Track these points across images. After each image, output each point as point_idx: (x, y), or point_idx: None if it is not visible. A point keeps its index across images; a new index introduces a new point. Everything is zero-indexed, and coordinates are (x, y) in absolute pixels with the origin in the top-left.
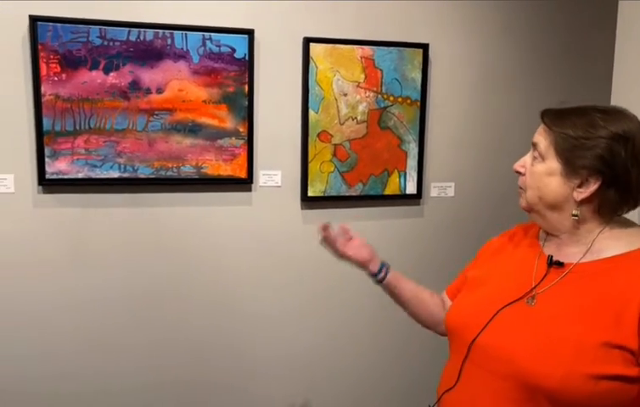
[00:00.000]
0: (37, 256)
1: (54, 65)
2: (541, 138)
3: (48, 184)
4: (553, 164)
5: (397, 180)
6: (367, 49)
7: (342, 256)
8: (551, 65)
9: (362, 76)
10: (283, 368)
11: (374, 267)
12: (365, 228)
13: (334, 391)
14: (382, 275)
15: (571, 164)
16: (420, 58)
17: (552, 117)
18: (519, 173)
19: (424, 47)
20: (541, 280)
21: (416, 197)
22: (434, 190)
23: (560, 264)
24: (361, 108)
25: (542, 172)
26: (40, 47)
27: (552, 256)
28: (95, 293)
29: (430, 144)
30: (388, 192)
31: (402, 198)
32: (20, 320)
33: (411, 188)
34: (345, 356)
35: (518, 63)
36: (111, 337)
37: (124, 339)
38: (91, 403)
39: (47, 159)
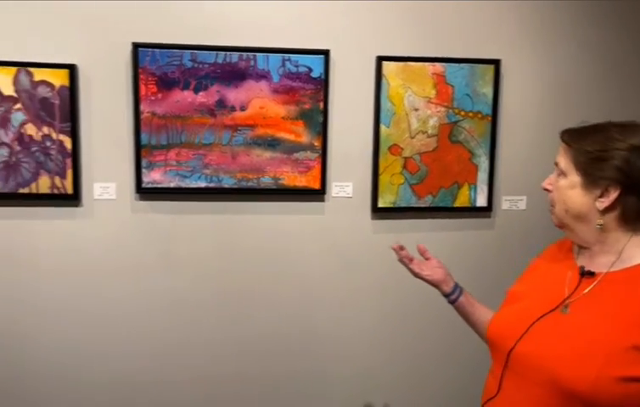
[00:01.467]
0: (134, 257)
1: (152, 86)
2: (562, 157)
3: (144, 192)
4: (574, 177)
5: (467, 192)
6: (439, 66)
7: (417, 275)
8: (624, 78)
9: (433, 92)
10: (354, 373)
11: (448, 288)
12: (434, 239)
13: (391, 395)
14: (454, 296)
15: (590, 176)
16: (492, 74)
17: (571, 135)
18: (547, 191)
19: (496, 63)
20: (574, 290)
21: (486, 210)
22: (505, 203)
23: (592, 274)
24: (431, 122)
25: (566, 186)
26: (140, 70)
27: (583, 267)
28: (182, 293)
29: (502, 158)
30: (458, 204)
31: (472, 211)
32: (116, 314)
33: (481, 201)
34: (409, 361)
35: (590, 76)
36: (196, 336)
37: (206, 337)
38: (177, 393)
39: (143, 170)
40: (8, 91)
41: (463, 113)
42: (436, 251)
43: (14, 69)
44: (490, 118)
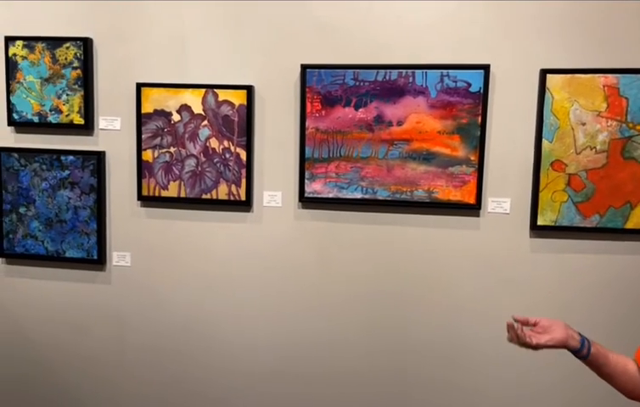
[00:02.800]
0: (295, 258)
1: (317, 104)
2: None
3: (306, 201)
4: None
5: None
6: (611, 77)
7: (537, 347)
8: None
9: (604, 105)
10: (504, 395)
11: (576, 342)
12: (601, 263)
13: None
14: (585, 349)
15: None
16: None
17: None
18: None
19: None
20: None
21: None
22: None
23: None
24: (601, 137)
25: None
26: (307, 89)
27: None
28: (335, 296)
29: None
30: (630, 225)
31: None
32: (277, 307)
33: None
34: (566, 391)
35: None
36: (344, 337)
37: (353, 340)
38: (324, 386)
39: (306, 181)
40: (198, 109)
41: (639, 127)
42: (604, 276)
43: (202, 91)
44: None
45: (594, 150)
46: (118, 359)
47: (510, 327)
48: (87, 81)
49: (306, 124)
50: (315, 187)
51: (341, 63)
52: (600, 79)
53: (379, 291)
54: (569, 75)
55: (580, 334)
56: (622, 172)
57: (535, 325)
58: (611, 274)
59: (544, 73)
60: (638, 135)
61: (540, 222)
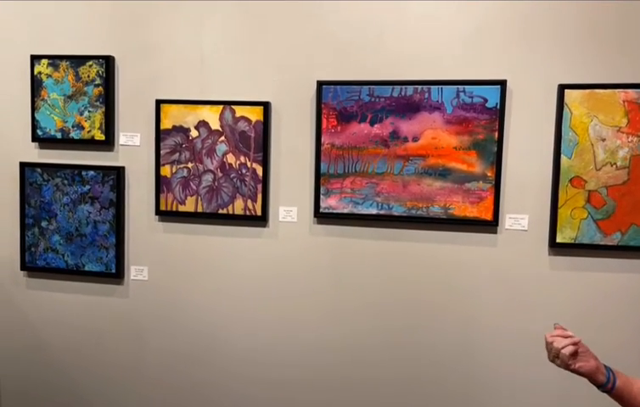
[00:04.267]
0: (310, 272)
1: (332, 120)
2: None
3: (321, 216)
4: None
5: None
6: (632, 93)
7: (568, 367)
8: None
9: (625, 121)
10: None
11: (603, 376)
12: (624, 281)
13: None
14: (611, 383)
15: None
16: None
17: None
18: None
19: None
20: None
21: None
22: None
23: None
24: (621, 153)
25: None
26: (323, 105)
27: None
28: (349, 313)
29: None
30: None
31: None
32: (291, 319)
33: None
34: None
35: None
36: (358, 352)
37: (367, 356)
38: (340, 396)
39: (321, 196)
40: (215, 125)
41: None
42: (625, 296)
43: (220, 107)
44: None
45: (615, 166)
46: (136, 371)
47: (550, 345)
48: (108, 98)
49: (322, 139)
50: (330, 203)
51: (357, 79)
52: (620, 94)
53: (394, 306)
54: (587, 91)
55: (605, 367)
56: None
57: (575, 344)
58: (633, 293)
59: (562, 88)
60: None
61: (559, 239)
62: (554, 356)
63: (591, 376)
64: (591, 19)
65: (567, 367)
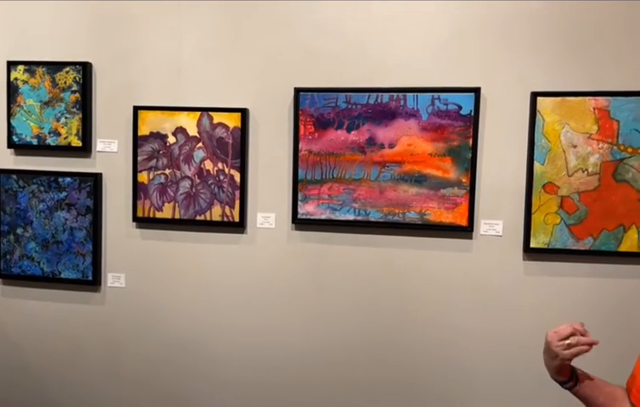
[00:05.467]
0: (288, 279)
1: (310, 126)
2: None
3: (299, 223)
4: None
5: (636, 236)
6: (602, 100)
7: (565, 355)
8: None
9: (595, 127)
10: None
11: (566, 373)
12: (595, 285)
13: None
14: (572, 382)
15: None
16: None
17: None
18: None
19: None
20: None
21: None
22: None
23: None
24: (592, 159)
25: None
26: (300, 112)
27: None
28: (328, 316)
29: None
30: (623, 248)
31: None
32: (271, 325)
33: None
34: None
35: None
36: (336, 355)
37: (346, 357)
38: (318, 399)
39: (299, 202)
40: (193, 132)
41: (630, 149)
42: (597, 299)
43: (197, 114)
44: None
45: (586, 172)
46: (113, 378)
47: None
48: (85, 105)
49: (300, 146)
50: (308, 209)
51: (334, 86)
52: (590, 101)
53: (372, 312)
54: (559, 98)
55: (573, 368)
56: (614, 195)
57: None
58: (604, 297)
59: (535, 96)
60: (630, 157)
61: (533, 244)
62: (568, 345)
63: (559, 370)
64: (564, 27)
65: (566, 349)
